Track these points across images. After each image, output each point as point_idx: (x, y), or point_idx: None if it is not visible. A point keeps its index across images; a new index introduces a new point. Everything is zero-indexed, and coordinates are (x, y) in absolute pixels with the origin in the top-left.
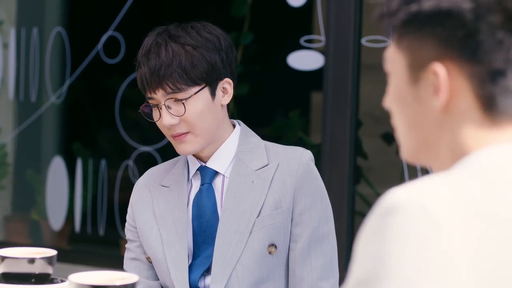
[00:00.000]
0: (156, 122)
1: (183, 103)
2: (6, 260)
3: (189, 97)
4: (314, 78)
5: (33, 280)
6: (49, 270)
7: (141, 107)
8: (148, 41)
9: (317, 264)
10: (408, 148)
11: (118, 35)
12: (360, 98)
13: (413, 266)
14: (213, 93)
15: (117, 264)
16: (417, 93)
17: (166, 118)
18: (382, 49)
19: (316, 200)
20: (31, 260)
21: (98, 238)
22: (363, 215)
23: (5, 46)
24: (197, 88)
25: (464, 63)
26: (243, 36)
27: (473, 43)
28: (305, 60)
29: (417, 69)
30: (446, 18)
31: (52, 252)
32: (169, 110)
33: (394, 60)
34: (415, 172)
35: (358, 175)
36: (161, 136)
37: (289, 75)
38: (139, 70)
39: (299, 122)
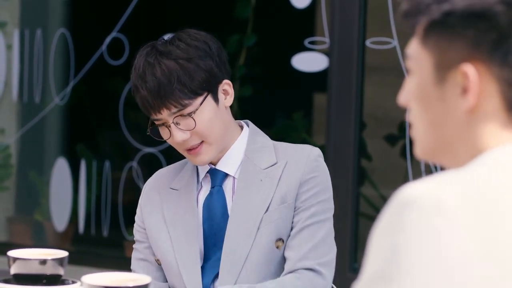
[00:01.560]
0: (167, 141)
1: (192, 117)
2: (17, 261)
3: (197, 110)
4: (318, 79)
5: (44, 281)
6: (60, 271)
7: (148, 130)
8: (139, 62)
9: (304, 246)
10: (425, 146)
11: (122, 36)
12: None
13: (427, 260)
14: (216, 99)
15: (121, 265)
16: (443, 93)
17: (178, 135)
18: (386, 51)
19: (318, 193)
20: (43, 261)
21: (102, 239)
22: (367, 216)
23: (9, 47)
24: (200, 99)
25: (493, 66)
26: (247, 38)
27: (504, 46)
28: (309, 61)
29: (444, 69)
30: (479, 19)
31: (64, 254)
32: (178, 126)
33: (419, 58)
34: (419, 173)
35: (362, 176)
36: None
37: (293, 76)
38: (138, 94)
39: (302, 123)
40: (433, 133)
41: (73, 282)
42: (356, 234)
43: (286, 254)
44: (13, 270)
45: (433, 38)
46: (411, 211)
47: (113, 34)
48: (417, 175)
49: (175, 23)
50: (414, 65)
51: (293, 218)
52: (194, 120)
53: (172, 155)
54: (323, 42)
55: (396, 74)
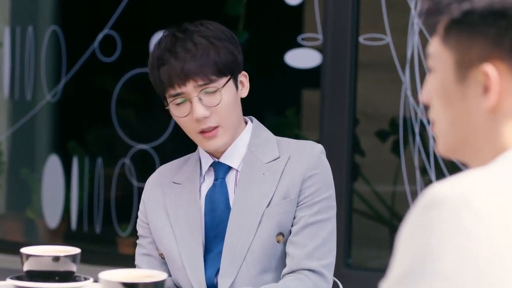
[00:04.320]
0: (182, 119)
1: (220, 91)
2: (30, 258)
3: (223, 87)
4: (311, 76)
5: (57, 278)
6: (73, 268)
7: (169, 107)
8: (166, 39)
9: (308, 245)
10: (447, 143)
11: (114, 33)
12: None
13: (457, 258)
14: (236, 85)
15: (113, 262)
16: (464, 92)
17: (200, 110)
18: (379, 47)
19: (321, 189)
20: (56, 258)
21: (95, 236)
22: (360, 212)
23: (0, 45)
24: (225, 79)
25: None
26: (239, 35)
27: None
28: (302, 58)
29: (465, 67)
30: (499, 18)
31: (76, 250)
32: (201, 102)
33: (440, 57)
34: (413, 169)
35: (354, 172)
36: (158, 134)
37: (286, 73)
38: (163, 68)
39: (295, 120)
40: (455, 131)
41: (85, 279)
42: (350, 230)
43: (289, 250)
44: (26, 267)
45: (454, 37)
46: (438, 210)
47: (105, 31)
48: (411, 171)
49: (167, 20)
50: (436, 63)
51: (295, 212)
52: (221, 96)
53: (165, 152)
54: (316, 39)
55: (389, 71)
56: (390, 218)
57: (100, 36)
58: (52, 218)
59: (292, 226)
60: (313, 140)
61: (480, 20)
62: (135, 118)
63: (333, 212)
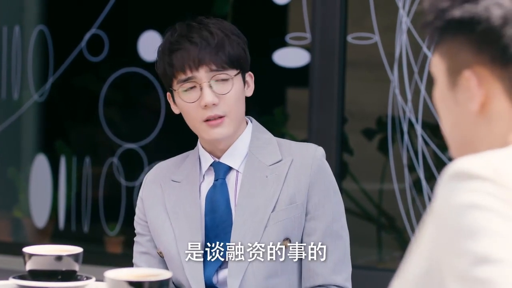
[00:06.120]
0: (189, 105)
1: (230, 80)
2: (33, 258)
3: (234, 76)
4: (299, 75)
5: (59, 277)
6: (75, 267)
7: (178, 87)
8: (181, 27)
9: (331, 259)
10: (453, 146)
11: (101, 33)
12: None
13: (499, 225)
14: (244, 81)
15: (101, 261)
16: (456, 97)
17: (210, 96)
18: (367, 46)
19: (329, 195)
20: (58, 258)
21: (83, 235)
22: (348, 210)
23: None
24: (235, 71)
25: (494, 67)
26: None
27: (500, 47)
28: (290, 57)
29: (454, 74)
30: (477, 24)
31: (78, 250)
32: (212, 89)
33: (436, 64)
34: (401, 167)
35: (343, 171)
36: (146, 133)
37: (275, 72)
38: (177, 52)
39: (283, 118)
40: (455, 134)
41: (88, 278)
42: None
43: (311, 264)
44: (29, 266)
45: (444, 45)
46: (470, 181)
47: (93, 30)
48: (399, 169)
49: (155, 20)
50: (434, 71)
51: (305, 221)
52: (231, 85)
53: (153, 151)
54: (304, 38)
55: (377, 69)
56: (378, 216)
57: (87, 36)
58: (40, 218)
59: (305, 235)
60: (301, 139)
61: (462, 27)
62: (123, 117)
63: (344, 218)
